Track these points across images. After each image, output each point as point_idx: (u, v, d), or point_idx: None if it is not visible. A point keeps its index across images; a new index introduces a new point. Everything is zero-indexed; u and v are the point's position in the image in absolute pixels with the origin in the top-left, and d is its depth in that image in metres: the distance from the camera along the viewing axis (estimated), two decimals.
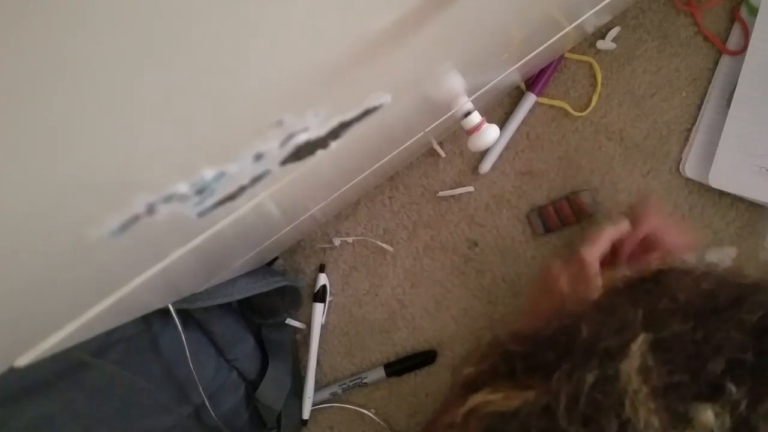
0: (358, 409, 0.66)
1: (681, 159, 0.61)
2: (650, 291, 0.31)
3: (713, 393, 0.24)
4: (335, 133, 0.25)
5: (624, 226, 0.51)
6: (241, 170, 0.22)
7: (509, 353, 0.32)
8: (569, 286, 0.48)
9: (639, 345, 0.27)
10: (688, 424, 0.24)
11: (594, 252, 0.49)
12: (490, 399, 0.29)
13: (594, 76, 0.62)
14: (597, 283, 0.47)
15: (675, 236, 0.50)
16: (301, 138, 0.23)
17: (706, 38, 0.60)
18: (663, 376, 0.25)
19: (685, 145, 0.61)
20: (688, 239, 0.51)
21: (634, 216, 0.52)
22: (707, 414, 0.24)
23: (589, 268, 0.48)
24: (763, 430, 0.24)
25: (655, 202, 0.53)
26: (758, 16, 0.57)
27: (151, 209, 0.19)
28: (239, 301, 0.58)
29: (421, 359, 0.65)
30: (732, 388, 0.24)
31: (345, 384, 0.65)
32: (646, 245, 0.51)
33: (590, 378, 0.26)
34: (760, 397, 0.24)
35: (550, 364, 0.28)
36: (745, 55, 0.58)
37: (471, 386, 0.32)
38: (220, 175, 0.21)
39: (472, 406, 0.30)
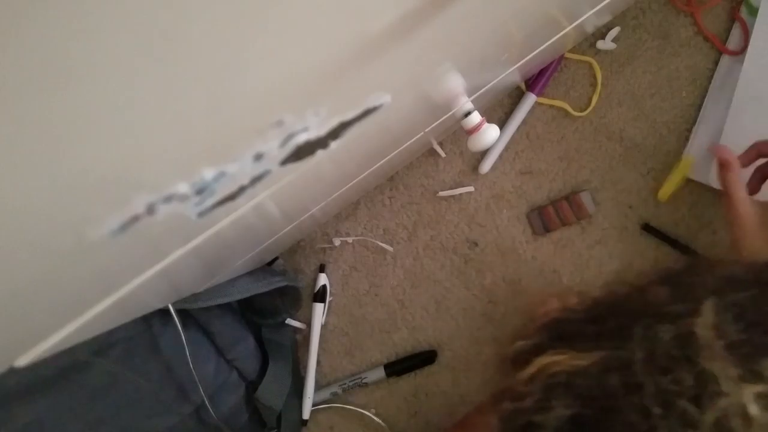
0: (358, 409, 0.66)
1: (681, 159, 0.61)
2: (699, 270, 0.33)
3: None
4: (335, 133, 0.25)
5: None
6: (241, 170, 0.22)
7: (566, 322, 0.34)
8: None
9: (710, 307, 0.29)
10: (761, 377, 0.26)
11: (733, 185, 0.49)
12: (557, 359, 0.31)
13: (594, 76, 0.62)
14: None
15: None
16: (301, 138, 0.23)
17: (706, 38, 0.60)
18: (735, 332, 0.27)
19: (685, 145, 0.61)
20: None
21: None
22: None
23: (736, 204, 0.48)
24: None
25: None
26: (758, 16, 0.57)
27: (151, 209, 0.19)
28: (239, 301, 0.58)
29: (421, 359, 0.65)
30: None
31: (345, 384, 0.65)
32: None
33: (666, 335, 0.28)
34: None
35: (616, 329, 0.31)
36: (745, 55, 0.58)
37: (523, 358, 0.33)
38: (220, 175, 0.21)
39: (538, 367, 0.32)
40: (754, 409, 0.25)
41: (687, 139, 0.61)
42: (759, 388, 0.26)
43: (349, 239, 0.66)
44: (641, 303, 0.32)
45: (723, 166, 0.50)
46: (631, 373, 0.28)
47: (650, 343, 0.29)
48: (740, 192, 0.48)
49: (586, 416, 0.29)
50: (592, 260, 0.63)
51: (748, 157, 0.50)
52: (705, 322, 0.28)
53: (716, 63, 0.60)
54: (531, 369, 0.32)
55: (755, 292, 0.29)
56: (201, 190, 0.21)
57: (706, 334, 0.28)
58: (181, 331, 0.47)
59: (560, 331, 0.34)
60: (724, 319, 0.28)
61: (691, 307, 0.29)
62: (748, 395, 0.25)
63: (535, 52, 0.45)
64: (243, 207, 0.26)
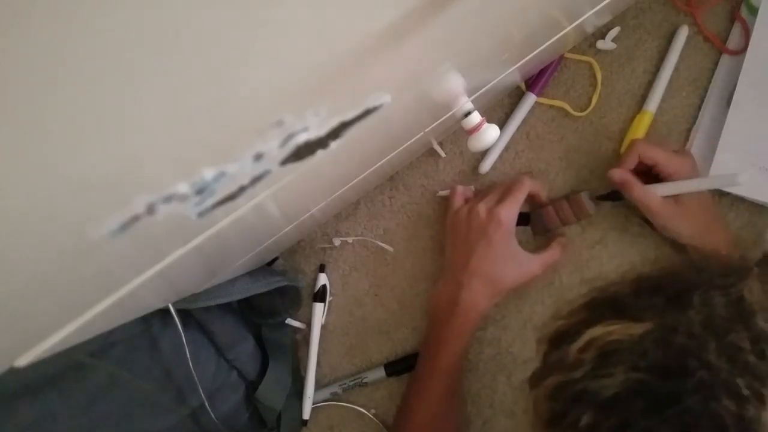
0: (358, 409, 0.66)
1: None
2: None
3: None
4: (335, 133, 0.25)
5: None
6: (241, 170, 0.22)
7: (612, 299, 0.35)
8: None
9: (756, 274, 0.31)
10: None
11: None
12: (611, 329, 0.32)
13: (594, 76, 0.62)
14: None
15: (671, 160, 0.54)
16: (301, 138, 0.23)
17: (706, 38, 0.60)
18: None
19: (685, 145, 0.61)
20: (686, 164, 0.55)
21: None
22: None
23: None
24: None
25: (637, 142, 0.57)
26: (758, 16, 0.57)
27: (151, 209, 0.19)
28: (239, 301, 0.58)
29: None
30: None
31: (345, 384, 0.65)
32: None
33: (720, 301, 0.30)
34: None
35: (666, 300, 0.32)
36: (745, 55, 0.58)
37: (570, 332, 0.34)
38: (220, 175, 0.21)
39: (588, 339, 0.32)
40: None
41: (687, 139, 0.61)
42: None
43: (349, 239, 0.66)
44: (691, 274, 0.34)
45: (624, 186, 0.55)
46: (693, 335, 0.30)
47: (707, 308, 0.30)
48: (650, 197, 0.54)
49: (649, 379, 0.30)
50: (592, 260, 0.63)
51: (632, 161, 0.55)
52: (755, 286, 0.30)
53: (716, 63, 0.60)
54: (582, 340, 0.33)
55: None
56: (201, 190, 0.21)
57: (757, 299, 0.30)
58: (181, 331, 0.47)
59: (606, 306, 0.34)
60: None
61: (740, 274, 0.31)
62: None
63: (535, 52, 0.45)
64: (243, 207, 0.26)
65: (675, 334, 0.30)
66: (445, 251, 0.61)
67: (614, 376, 0.30)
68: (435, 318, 0.59)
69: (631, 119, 0.62)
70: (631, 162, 0.55)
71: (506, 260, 0.57)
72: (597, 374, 0.31)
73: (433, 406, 0.57)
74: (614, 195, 0.58)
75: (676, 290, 0.32)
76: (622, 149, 0.61)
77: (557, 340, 0.35)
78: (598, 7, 0.45)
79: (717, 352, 0.28)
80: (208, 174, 0.20)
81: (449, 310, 0.57)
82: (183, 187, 0.20)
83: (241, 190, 0.23)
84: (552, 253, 0.59)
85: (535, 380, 0.35)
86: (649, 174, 0.56)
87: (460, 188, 0.61)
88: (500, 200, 0.57)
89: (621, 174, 0.55)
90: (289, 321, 0.65)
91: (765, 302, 0.30)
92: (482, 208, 0.57)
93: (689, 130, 0.61)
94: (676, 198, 0.54)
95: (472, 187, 0.64)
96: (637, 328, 0.31)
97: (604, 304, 0.35)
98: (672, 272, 0.35)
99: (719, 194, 0.60)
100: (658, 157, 0.54)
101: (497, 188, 0.60)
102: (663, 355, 0.30)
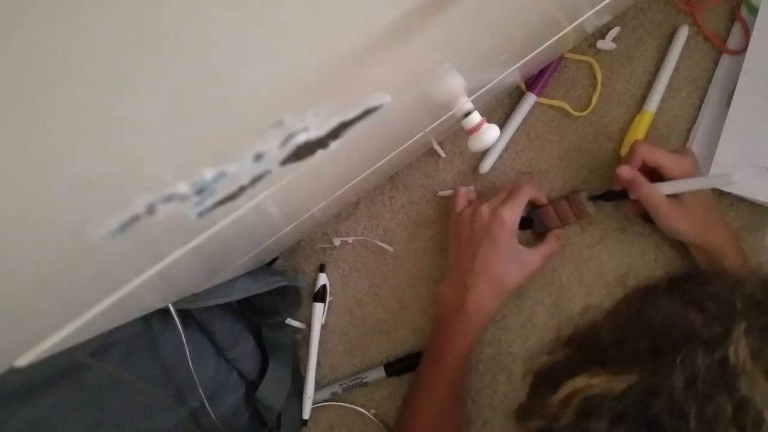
0: (358, 409, 0.66)
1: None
2: (713, 282, 0.34)
3: None
4: (335, 133, 0.25)
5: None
6: (241, 170, 0.22)
7: (595, 341, 0.34)
8: None
9: (741, 331, 0.29)
10: None
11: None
12: (592, 383, 0.31)
13: (594, 76, 0.62)
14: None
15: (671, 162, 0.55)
16: (301, 138, 0.23)
17: (706, 38, 0.60)
18: None
19: (685, 145, 0.61)
20: (688, 163, 0.55)
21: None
22: None
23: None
24: None
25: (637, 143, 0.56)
26: (758, 16, 0.57)
27: (151, 209, 0.19)
28: (239, 301, 0.58)
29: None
30: None
31: (345, 384, 0.65)
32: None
33: (703, 361, 0.29)
34: None
35: (649, 351, 0.31)
36: (745, 55, 0.58)
37: (548, 375, 0.34)
38: (220, 175, 0.21)
39: (571, 390, 0.32)
40: None
41: (687, 139, 0.61)
42: None
43: (349, 239, 0.66)
44: (672, 324, 0.32)
45: (631, 184, 0.55)
46: (674, 400, 0.29)
47: (689, 370, 0.29)
48: (657, 195, 0.54)
49: None
50: (592, 260, 0.63)
51: (637, 164, 0.55)
52: (739, 348, 0.29)
53: (716, 63, 0.60)
54: (564, 391, 0.32)
55: None
56: (201, 190, 0.21)
57: (742, 361, 0.28)
58: (181, 331, 0.47)
59: (590, 350, 0.34)
60: (758, 345, 0.29)
61: (722, 331, 0.30)
62: None
63: (535, 52, 0.45)
64: (243, 207, 0.26)
65: (656, 396, 0.29)
66: (449, 252, 0.61)
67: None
68: (440, 319, 0.59)
69: (631, 119, 0.62)
70: (636, 164, 0.55)
71: (510, 260, 0.57)
72: (577, 428, 0.31)
73: (435, 406, 0.57)
74: (609, 195, 0.59)
75: (654, 343, 0.31)
76: (622, 149, 0.61)
77: (541, 378, 0.35)
78: (598, 7, 0.45)
79: (697, 420, 0.28)
80: (208, 174, 0.20)
81: (455, 311, 0.57)
82: (183, 187, 0.20)
83: (241, 190, 0.23)
84: (550, 245, 0.60)
85: (520, 415, 0.35)
86: (650, 174, 0.56)
87: (462, 190, 0.61)
88: (503, 202, 0.58)
89: (629, 171, 0.55)
90: (289, 321, 0.65)
91: (750, 366, 0.28)
92: (486, 209, 0.57)
93: (689, 130, 0.61)
94: (677, 197, 0.55)
95: (472, 187, 0.64)
96: (618, 383, 0.31)
97: (587, 348, 0.35)
98: (646, 318, 0.34)
99: (719, 194, 0.60)
100: (662, 158, 0.54)
101: (500, 192, 0.60)
102: (642, 417, 0.29)
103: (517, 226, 0.57)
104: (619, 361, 0.32)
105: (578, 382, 0.32)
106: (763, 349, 0.28)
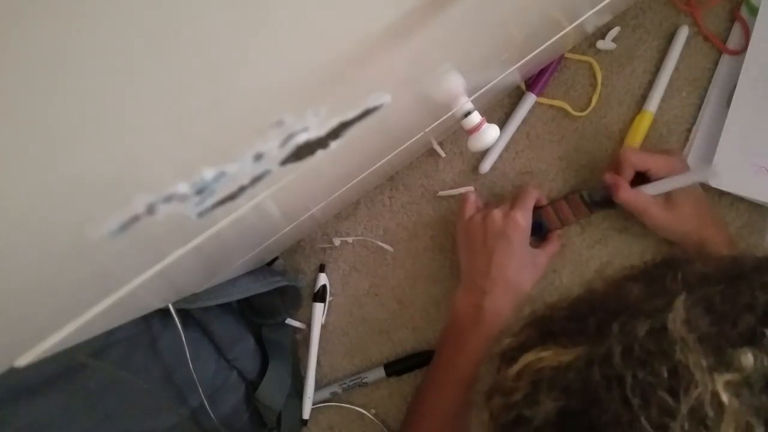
0: (358, 409, 0.66)
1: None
2: (673, 266, 0.35)
3: (749, 338, 0.28)
4: (335, 133, 0.25)
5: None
6: (241, 170, 0.22)
7: (550, 320, 0.35)
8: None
9: (682, 302, 0.30)
10: (731, 365, 0.27)
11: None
12: (542, 356, 0.33)
13: (594, 76, 0.62)
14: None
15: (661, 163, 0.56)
16: (301, 138, 0.23)
17: (706, 38, 0.60)
18: (705, 325, 0.29)
19: (685, 145, 0.61)
20: (674, 162, 0.56)
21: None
22: (747, 357, 0.27)
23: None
24: None
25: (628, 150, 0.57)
26: (758, 16, 0.57)
27: (151, 209, 0.19)
28: (239, 301, 0.58)
29: (421, 359, 0.64)
30: (766, 333, 0.28)
31: (345, 384, 0.65)
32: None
33: (642, 330, 0.30)
34: None
35: (596, 325, 0.32)
36: (745, 55, 0.58)
37: (511, 355, 0.35)
38: (220, 175, 0.21)
39: (524, 364, 0.33)
40: (725, 397, 0.27)
41: (687, 139, 0.61)
42: (729, 376, 0.27)
43: (349, 239, 0.66)
44: (618, 300, 0.34)
45: (614, 187, 0.56)
46: (612, 367, 0.29)
47: (627, 338, 0.30)
48: (636, 199, 0.55)
49: (572, 409, 0.30)
50: (592, 260, 0.63)
51: (628, 175, 0.56)
52: (677, 316, 0.30)
53: (716, 63, 0.60)
54: (518, 365, 0.34)
55: (723, 287, 0.31)
56: (201, 190, 0.21)
57: (678, 328, 0.29)
58: (181, 331, 0.47)
59: (545, 328, 0.35)
60: (695, 314, 0.30)
61: (664, 303, 0.31)
62: (719, 384, 0.27)
63: (535, 52, 0.45)
64: (243, 207, 0.26)
65: (595, 365, 0.30)
66: (460, 259, 0.60)
67: (544, 403, 0.31)
68: (454, 325, 0.58)
69: (631, 119, 0.62)
70: (629, 173, 0.56)
71: (525, 263, 0.57)
72: (530, 401, 0.32)
73: (443, 413, 0.56)
74: (608, 202, 0.58)
75: (600, 317, 0.32)
76: (622, 150, 0.61)
77: (503, 358, 0.36)
78: (598, 7, 0.45)
79: (632, 388, 0.28)
80: (208, 174, 0.20)
81: (473, 318, 0.56)
82: (183, 187, 0.20)
83: (241, 190, 0.23)
84: (555, 244, 0.60)
85: (486, 397, 0.36)
86: (643, 179, 0.57)
87: (472, 196, 0.61)
88: (513, 206, 0.58)
89: (610, 177, 0.56)
90: (289, 321, 0.65)
91: (687, 332, 0.29)
92: (498, 213, 0.57)
93: (689, 130, 0.61)
94: (666, 197, 0.55)
95: (474, 190, 0.64)
96: (565, 356, 0.32)
97: (542, 327, 0.36)
98: (597, 297, 0.35)
99: (719, 194, 0.60)
100: (648, 161, 0.56)
101: (506, 200, 0.60)
102: (583, 386, 0.30)
103: (530, 229, 0.57)
104: (569, 335, 0.33)
105: (529, 356, 0.33)
106: (699, 318, 0.29)
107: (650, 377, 0.28)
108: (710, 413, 0.26)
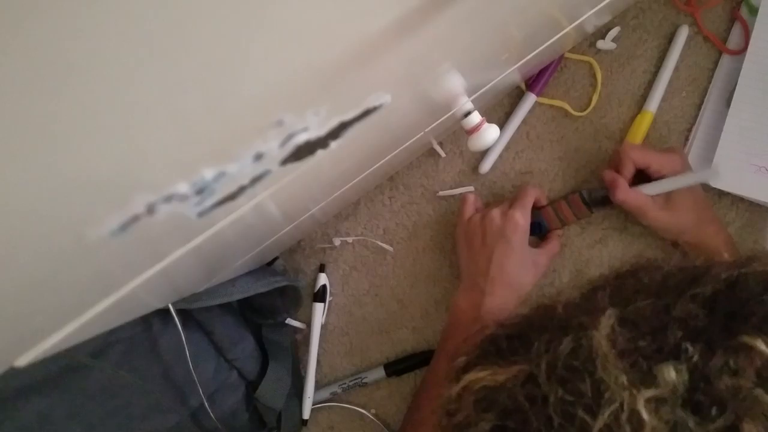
0: (358, 409, 0.66)
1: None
2: (623, 278, 0.35)
3: (673, 353, 0.27)
4: (335, 133, 0.25)
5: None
6: (241, 170, 0.22)
7: (494, 336, 0.35)
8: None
9: (607, 317, 0.30)
10: (653, 381, 0.27)
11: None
12: (480, 376, 0.32)
13: (594, 76, 0.62)
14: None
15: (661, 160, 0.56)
16: (301, 138, 0.23)
17: (706, 38, 0.60)
18: (628, 341, 0.28)
19: (685, 145, 0.61)
20: (676, 161, 0.56)
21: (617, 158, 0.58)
22: (669, 371, 0.27)
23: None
24: (716, 381, 0.26)
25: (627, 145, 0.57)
26: (758, 16, 0.57)
27: (151, 209, 0.19)
28: (239, 301, 0.58)
29: (421, 359, 0.65)
30: (689, 347, 0.27)
31: (345, 384, 0.65)
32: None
33: (565, 347, 0.29)
34: (714, 356, 0.27)
35: (531, 342, 0.32)
36: (745, 55, 0.58)
37: (456, 375, 0.35)
38: (220, 175, 0.21)
39: (464, 385, 0.33)
40: (644, 414, 0.26)
41: (687, 139, 0.61)
42: (650, 393, 0.26)
43: (349, 239, 0.66)
44: (551, 317, 0.33)
45: (610, 187, 0.56)
46: (537, 386, 0.29)
47: (552, 356, 0.30)
48: (633, 198, 0.55)
49: (507, 429, 0.30)
50: (592, 260, 0.63)
51: (628, 171, 0.56)
52: (601, 332, 0.29)
53: (716, 63, 0.60)
54: (459, 386, 0.33)
55: (653, 300, 0.30)
56: (201, 190, 0.21)
57: (601, 344, 0.29)
58: (181, 331, 0.47)
59: (490, 348, 0.35)
60: (621, 330, 0.29)
61: (592, 318, 0.30)
62: (639, 401, 0.26)
63: (535, 52, 0.45)
64: (243, 207, 0.26)
65: (523, 384, 0.30)
66: (459, 260, 0.60)
67: (483, 423, 0.31)
68: (456, 325, 0.58)
69: (631, 119, 0.62)
70: (629, 170, 0.56)
71: (525, 262, 0.57)
72: (470, 422, 0.31)
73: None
74: (606, 201, 0.59)
75: (533, 335, 0.32)
76: (623, 145, 0.61)
77: (450, 377, 0.36)
78: (598, 7, 0.45)
79: (555, 407, 0.28)
80: (208, 174, 0.20)
81: (473, 318, 0.56)
82: (183, 187, 0.20)
83: (241, 190, 0.23)
84: (555, 244, 0.60)
85: (438, 418, 0.36)
86: (644, 176, 0.56)
87: (471, 197, 0.61)
88: (512, 206, 0.58)
89: (609, 175, 0.56)
90: (289, 321, 0.65)
91: (609, 347, 0.28)
92: (497, 213, 0.57)
93: (689, 130, 0.61)
94: (665, 197, 0.55)
95: (472, 188, 0.64)
96: (501, 375, 0.31)
97: (488, 346, 0.35)
98: (536, 315, 0.35)
99: (719, 194, 0.60)
100: (649, 158, 0.55)
101: (506, 200, 0.60)
102: (514, 406, 0.30)
103: (528, 228, 0.57)
104: (510, 352, 0.33)
105: (469, 376, 0.33)
106: (623, 333, 0.29)
107: (571, 395, 0.28)
108: (628, 430, 0.26)
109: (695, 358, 0.27)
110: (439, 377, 0.57)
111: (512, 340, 0.33)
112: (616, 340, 0.29)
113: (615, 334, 0.29)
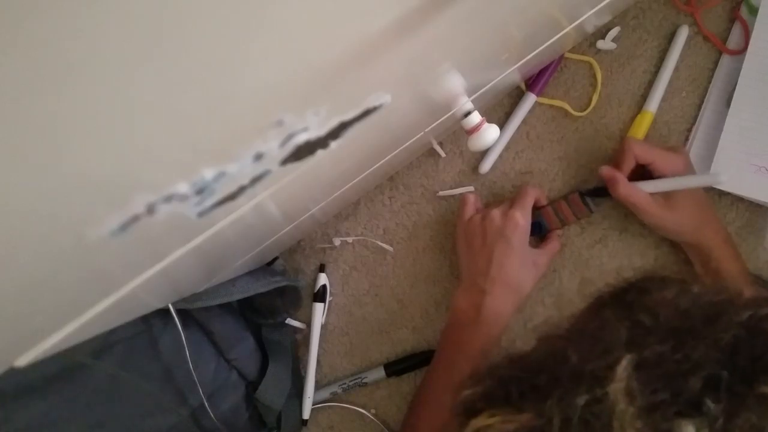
0: (358, 409, 0.66)
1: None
2: (632, 305, 0.33)
3: (693, 410, 0.26)
4: (335, 133, 0.25)
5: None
6: (241, 170, 0.22)
7: (503, 377, 0.33)
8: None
9: (624, 367, 0.28)
10: None
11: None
12: (489, 423, 0.31)
13: (594, 76, 0.62)
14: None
15: (665, 160, 0.55)
16: (301, 138, 0.23)
17: (706, 38, 0.60)
18: (647, 395, 0.27)
19: (685, 145, 0.61)
20: (680, 161, 0.55)
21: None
22: (689, 430, 0.25)
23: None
24: None
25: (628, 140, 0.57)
26: (758, 16, 0.57)
27: (151, 209, 0.19)
28: (239, 301, 0.58)
29: (421, 359, 0.65)
30: (710, 404, 0.26)
31: (345, 384, 0.65)
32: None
33: (581, 401, 0.28)
34: (736, 412, 0.25)
35: (542, 388, 0.30)
36: (745, 55, 0.58)
37: (470, 408, 0.33)
38: (220, 175, 0.21)
39: (473, 430, 0.31)
40: None
41: (687, 139, 0.61)
42: None
43: (349, 239, 0.66)
44: (564, 357, 0.31)
45: (610, 182, 0.55)
46: None
47: (566, 409, 0.28)
48: (634, 194, 0.54)
49: None
50: (592, 260, 0.63)
51: (628, 166, 0.55)
52: (618, 386, 0.28)
53: (716, 63, 0.60)
54: (468, 431, 0.32)
55: (671, 343, 0.29)
56: (201, 190, 0.21)
57: (618, 399, 0.27)
58: (181, 331, 0.47)
59: (497, 386, 0.33)
60: (637, 382, 0.28)
61: (607, 366, 0.29)
62: None
63: (535, 52, 0.45)
64: (243, 207, 0.26)
65: None
66: (459, 261, 0.60)
67: None
68: (454, 326, 0.58)
69: (631, 119, 0.62)
70: (629, 164, 0.55)
71: (525, 262, 0.57)
72: None
73: (444, 414, 0.56)
74: (598, 191, 0.59)
75: (544, 380, 0.30)
76: (626, 140, 0.61)
77: (458, 413, 0.35)
78: (598, 7, 0.45)
79: None
80: (208, 174, 0.20)
81: (472, 319, 0.56)
82: (183, 187, 0.20)
83: (241, 190, 0.23)
84: (555, 245, 0.60)
85: None
86: (644, 172, 0.56)
87: (471, 197, 0.61)
88: (512, 206, 0.58)
89: (608, 170, 0.56)
90: (289, 321, 0.65)
91: (627, 404, 0.27)
92: (497, 213, 0.57)
93: (689, 130, 0.61)
94: (666, 195, 0.55)
95: (472, 188, 0.64)
96: (511, 424, 0.30)
97: (496, 383, 0.34)
98: (544, 354, 0.34)
99: (719, 194, 0.60)
100: (653, 155, 0.55)
101: (506, 200, 0.60)
102: None
103: (529, 228, 0.57)
104: (519, 397, 0.31)
105: (478, 422, 0.32)
106: (641, 386, 0.27)
107: None
108: None
109: (717, 418, 0.26)
110: (438, 386, 0.57)
111: (521, 382, 0.32)
112: (633, 393, 0.27)
113: (632, 387, 0.27)
